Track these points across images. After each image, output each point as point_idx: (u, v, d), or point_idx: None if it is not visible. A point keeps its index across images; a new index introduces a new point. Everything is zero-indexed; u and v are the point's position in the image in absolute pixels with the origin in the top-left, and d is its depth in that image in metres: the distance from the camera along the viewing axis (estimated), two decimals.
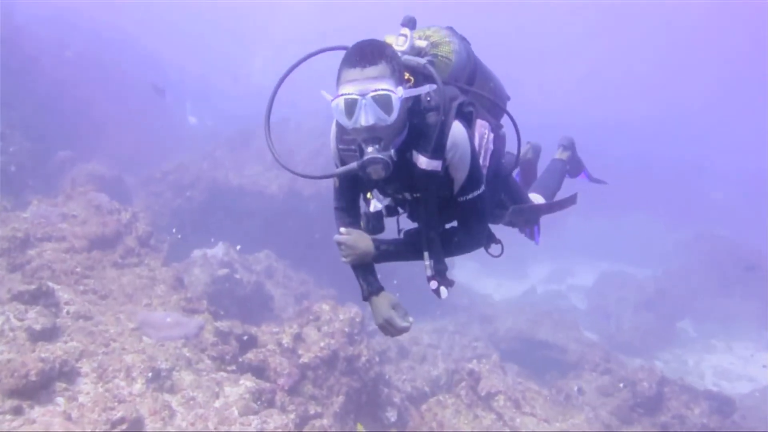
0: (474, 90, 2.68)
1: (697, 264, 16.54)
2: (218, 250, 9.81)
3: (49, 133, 12.47)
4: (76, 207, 6.80)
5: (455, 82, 2.57)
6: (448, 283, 2.50)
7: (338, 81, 2.20)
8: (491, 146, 2.66)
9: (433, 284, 2.50)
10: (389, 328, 2.46)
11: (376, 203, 2.60)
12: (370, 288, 2.56)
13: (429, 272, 2.49)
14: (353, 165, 2.25)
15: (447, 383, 7.59)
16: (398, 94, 2.17)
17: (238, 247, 9.84)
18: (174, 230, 10.10)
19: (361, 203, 2.77)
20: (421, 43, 2.53)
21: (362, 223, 2.64)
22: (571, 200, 3.49)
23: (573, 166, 4.27)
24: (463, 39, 2.74)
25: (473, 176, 2.38)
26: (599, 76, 35.21)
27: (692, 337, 14.50)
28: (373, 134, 2.17)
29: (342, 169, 2.34)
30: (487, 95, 2.76)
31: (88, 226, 6.43)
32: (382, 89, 2.12)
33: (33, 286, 4.90)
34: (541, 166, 4.12)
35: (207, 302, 5.81)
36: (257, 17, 35.60)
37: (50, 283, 5.20)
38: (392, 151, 2.19)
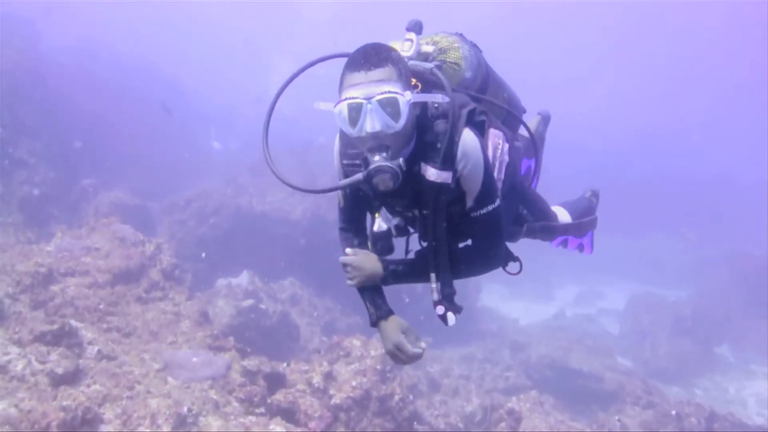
0: (486, 98, 2.50)
1: (730, 284, 16.01)
2: (243, 279, 9.64)
3: (74, 161, 12.49)
4: (99, 239, 6.66)
5: (465, 91, 2.39)
6: (456, 309, 2.31)
7: (341, 87, 2.06)
8: (506, 158, 2.45)
9: (440, 310, 2.30)
10: (399, 355, 2.25)
11: (381, 223, 2.41)
12: (379, 312, 2.37)
13: (435, 296, 2.30)
14: (358, 176, 2.06)
15: (483, 420, 7.25)
16: (406, 97, 2.00)
17: (256, 279, 9.67)
18: (203, 255, 9.95)
19: (369, 223, 2.58)
20: (428, 48, 2.38)
21: (369, 245, 2.46)
22: (591, 224, 3.28)
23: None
24: (473, 46, 2.57)
25: (487, 188, 2.19)
26: (616, 96, 34.80)
27: (730, 362, 13.95)
28: (379, 142, 2.00)
29: (346, 181, 2.14)
30: (500, 104, 2.60)
31: (112, 260, 6.28)
32: (389, 92, 1.97)
33: (56, 326, 4.73)
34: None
35: (234, 338, 5.57)
36: (274, 37, 35.71)
37: (73, 322, 5.03)
38: (401, 160, 2.01)
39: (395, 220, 2.45)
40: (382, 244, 2.42)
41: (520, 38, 33.44)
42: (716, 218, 20.66)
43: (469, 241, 2.40)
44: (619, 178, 22.23)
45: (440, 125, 2.11)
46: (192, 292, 8.27)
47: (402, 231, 2.46)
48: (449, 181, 2.11)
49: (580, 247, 3.73)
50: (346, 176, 2.35)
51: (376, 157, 1.98)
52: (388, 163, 1.97)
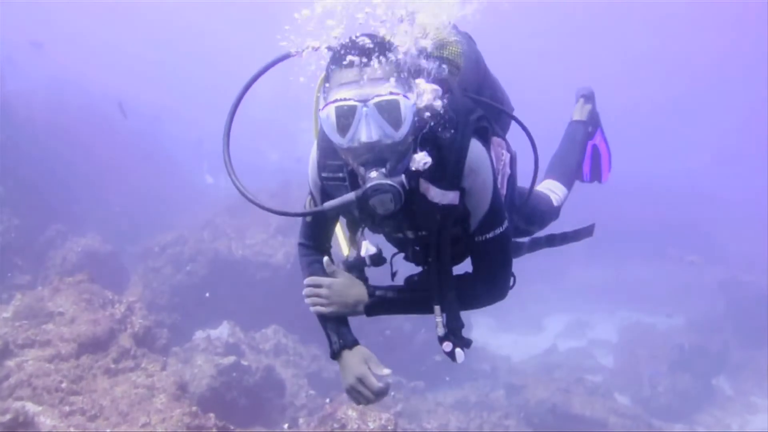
0: (484, 100, 2.18)
1: (725, 313, 15.74)
2: (223, 331, 9.06)
3: (42, 205, 11.78)
4: (64, 302, 6.04)
5: (464, 92, 2.08)
6: (465, 344, 2.04)
7: (327, 84, 1.76)
8: (508, 170, 2.25)
9: (447, 346, 2.02)
10: (363, 391, 1.97)
11: (369, 246, 2.12)
12: (343, 341, 2.08)
13: (441, 331, 2.01)
14: (350, 196, 1.76)
15: None
16: (410, 100, 1.70)
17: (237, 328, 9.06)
18: (207, 294, 9.32)
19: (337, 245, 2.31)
20: (425, 43, 2.00)
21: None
22: (587, 231, 2.95)
23: (592, 126, 3.48)
24: (469, 38, 2.26)
25: (495, 209, 1.94)
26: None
27: (730, 395, 13.56)
28: (376, 154, 1.70)
29: (334, 203, 1.81)
30: (497, 105, 2.28)
31: (77, 326, 5.66)
32: (390, 93, 1.65)
33: (8, 416, 4.12)
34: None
35: (215, 416, 4.98)
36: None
37: (30, 406, 4.42)
38: (403, 177, 1.71)
39: (373, 246, 2.14)
40: (357, 273, 2.14)
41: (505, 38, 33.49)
42: (705, 241, 20.51)
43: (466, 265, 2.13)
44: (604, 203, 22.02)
45: (446, 136, 1.82)
46: (168, 349, 7.71)
47: (377, 259, 2.12)
48: (456, 202, 1.86)
49: (596, 175, 3.35)
50: (324, 192, 2.07)
51: (373, 173, 1.69)
52: (388, 181, 1.67)
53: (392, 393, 8.71)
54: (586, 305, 19.43)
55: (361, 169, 1.72)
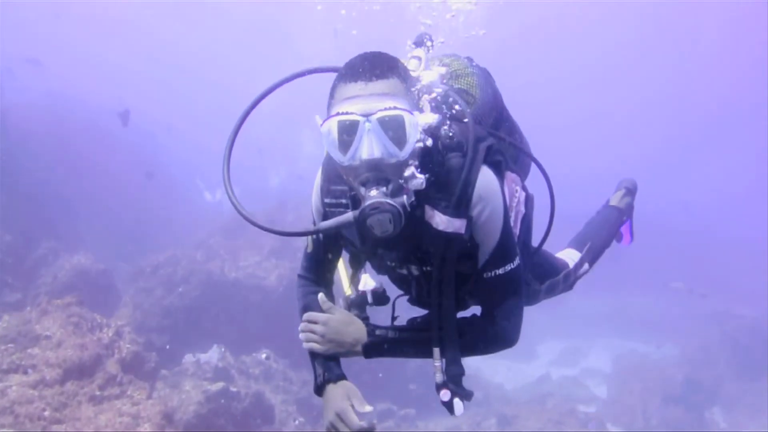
0: (501, 135, 2.07)
1: (718, 345, 15.65)
2: (212, 355, 8.93)
3: (36, 221, 11.70)
4: (51, 325, 5.96)
5: (478, 124, 1.97)
6: (465, 395, 1.90)
7: (331, 100, 1.66)
8: (522, 209, 2.12)
9: (445, 395, 1.87)
10: (340, 428, 1.81)
11: (368, 280, 1.99)
12: (328, 375, 1.94)
13: (439, 378, 1.88)
14: (347, 215, 1.67)
15: None
16: (416, 117, 1.61)
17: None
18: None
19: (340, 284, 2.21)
20: (439, 70, 1.96)
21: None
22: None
23: (626, 216, 3.45)
24: (487, 74, 2.16)
25: (506, 243, 1.81)
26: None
27: (723, 428, 13.43)
28: (377, 173, 1.60)
29: (330, 222, 1.72)
30: (516, 143, 2.17)
31: (64, 350, 5.58)
32: (394, 108, 1.56)
33: None
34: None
35: None
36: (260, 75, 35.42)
37: None
38: (404, 198, 1.61)
39: (377, 283, 2.00)
40: (358, 311, 2.00)
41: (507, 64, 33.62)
42: (703, 273, 20.48)
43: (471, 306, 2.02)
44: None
45: (454, 160, 1.72)
46: (157, 372, 7.60)
47: (380, 297, 1.99)
48: (462, 230, 1.73)
49: (618, 237, 3.35)
50: (326, 218, 1.93)
51: (373, 192, 1.58)
52: (388, 200, 1.56)
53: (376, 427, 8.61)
54: (581, 332, 19.33)
55: (362, 189, 1.62)
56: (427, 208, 1.75)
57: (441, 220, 1.73)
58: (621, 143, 33.38)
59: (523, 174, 2.26)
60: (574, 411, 11.10)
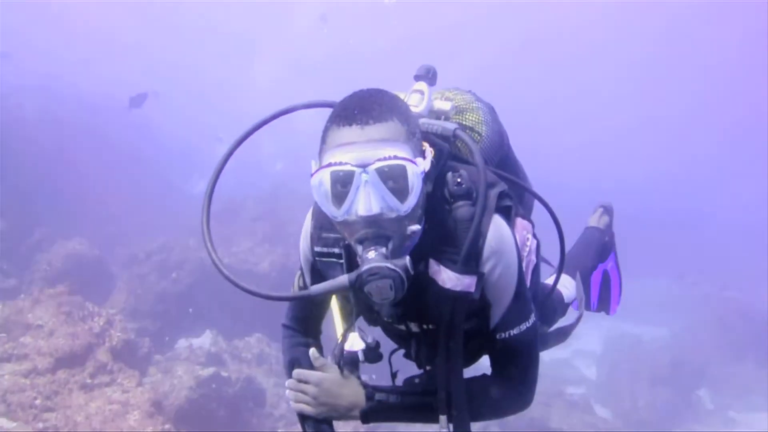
0: (508, 176, 1.85)
1: (707, 327, 15.87)
2: (205, 340, 9.11)
3: (30, 208, 11.82)
4: (43, 314, 6.11)
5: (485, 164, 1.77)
6: None
7: (323, 147, 1.48)
8: (534, 258, 1.92)
9: None
10: None
11: (357, 339, 1.73)
12: None
13: None
14: (342, 280, 1.46)
15: None
16: (419, 166, 1.43)
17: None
18: (190, 310, 9.36)
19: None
20: (443, 106, 1.81)
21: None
22: (576, 322, 2.61)
23: (603, 247, 3.26)
24: (492, 109, 1.99)
25: (521, 300, 1.63)
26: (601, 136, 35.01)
27: (709, 409, 13.70)
28: (376, 230, 1.41)
29: (323, 286, 1.52)
30: (522, 183, 1.98)
31: (55, 339, 5.74)
32: (395, 157, 1.39)
33: None
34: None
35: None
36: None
37: (4, 422, 4.50)
38: (407, 259, 1.41)
39: (369, 337, 1.74)
40: (349, 368, 1.76)
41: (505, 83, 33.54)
42: (691, 257, 20.65)
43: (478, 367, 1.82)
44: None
45: (463, 209, 1.54)
46: (150, 357, 7.78)
47: (373, 354, 1.73)
48: (472, 289, 1.53)
49: (604, 305, 3.23)
50: (315, 270, 1.77)
51: (371, 253, 1.40)
52: (388, 264, 1.37)
53: None
54: (573, 314, 19.55)
55: (359, 248, 1.44)
56: (432, 263, 1.57)
57: (448, 277, 1.54)
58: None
59: (529, 215, 2.12)
60: (562, 393, 11.31)
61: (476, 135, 1.86)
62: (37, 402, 4.95)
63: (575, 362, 16.09)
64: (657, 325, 17.20)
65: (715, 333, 15.39)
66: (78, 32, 29.03)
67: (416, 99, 1.77)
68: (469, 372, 1.78)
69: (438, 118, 1.80)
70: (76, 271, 9.85)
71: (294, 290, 1.93)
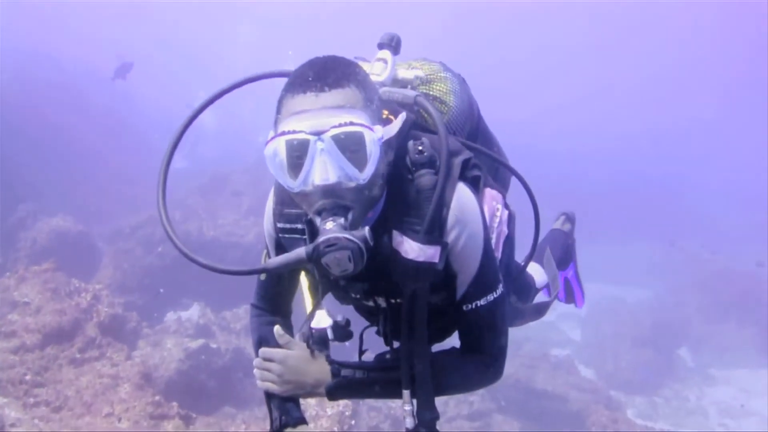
0: (479, 147, 1.82)
1: (690, 289, 16.18)
2: (193, 312, 9.20)
3: (12, 185, 11.70)
4: (29, 291, 6.14)
5: (452, 135, 1.75)
6: None
7: (278, 116, 1.42)
8: (505, 229, 1.86)
9: None
10: None
11: (324, 316, 1.68)
12: (287, 418, 1.74)
13: (410, 423, 1.65)
14: (299, 252, 1.40)
15: None
16: (377, 133, 1.37)
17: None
18: (161, 290, 9.38)
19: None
20: (407, 74, 1.77)
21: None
22: (552, 299, 2.72)
23: (564, 254, 3.27)
24: (462, 80, 1.94)
25: (488, 270, 1.59)
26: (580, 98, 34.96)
27: (690, 367, 14.08)
28: (334, 200, 1.37)
29: (280, 259, 1.47)
30: (495, 155, 1.92)
31: (43, 316, 5.77)
32: (351, 123, 1.33)
33: None
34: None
35: (177, 404, 5.15)
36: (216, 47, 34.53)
37: None
38: (367, 230, 1.36)
39: (339, 315, 1.69)
40: (318, 345, 1.71)
41: (476, 40, 33.27)
42: (674, 221, 20.89)
43: (448, 342, 1.78)
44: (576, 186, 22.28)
45: (425, 178, 1.48)
46: (139, 331, 7.84)
47: (342, 332, 1.69)
48: (436, 259, 1.48)
49: (571, 299, 3.30)
50: (279, 246, 1.73)
51: (329, 224, 1.35)
52: (346, 234, 1.32)
53: None
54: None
55: (317, 219, 1.39)
56: (395, 234, 1.52)
57: (411, 248, 1.49)
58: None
59: (503, 189, 2.03)
60: (547, 355, 11.56)
61: (444, 106, 1.81)
62: (27, 378, 5.00)
63: (560, 325, 16.39)
64: (641, 287, 17.53)
65: (698, 294, 15.72)
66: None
67: (379, 68, 1.72)
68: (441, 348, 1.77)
69: (402, 87, 1.75)
70: (60, 247, 9.83)
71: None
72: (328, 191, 1.36)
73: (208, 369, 7.67)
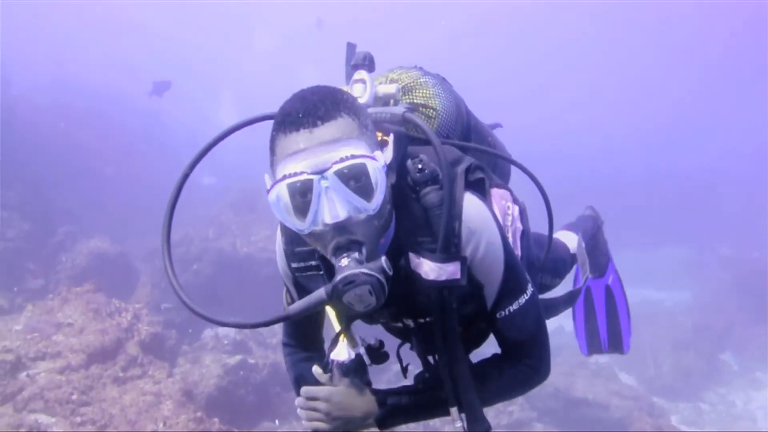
0: (475, 146, 1.81)
1: (729, 290, 15.78)
2: (230, 328, 9.26)
3: (50, 208, 12.03)
4: (72, 312, 6.28)
5: (449, 141, 1.73)
6: None
7: (273, 158, 1.36)
8: (519, 225, 1.84)
9: None
10: None
11: (345, 349, 1.65)
12: None
13: None
14: (319, 294, 1.34)
15: None
16: (379, 161, 1.33)
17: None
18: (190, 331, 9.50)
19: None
20: (388, 89, 1.70)
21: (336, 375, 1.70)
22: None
23: (598, 260, 3.02)
24: (443, 79, 1.90)
25: (513, 273, 1.54)
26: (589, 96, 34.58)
27: (735, 371, 13.68)
28: (346, 236, 1.31)
29: (301, 305, 1.39)
30: (492, 151, 1.90)
31: (86, 336, 5.90)
32: (352, 156, 1.29)
33: (23, 430, 4.36)
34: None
35: (218, 420, 5.20)
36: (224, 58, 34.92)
37: (43, 418, 4.66)
38: (383, 260, 1.31)
39: (372, 338, 1.66)
40: (359, 375, 1.67)
41: (478, 52, 33.22)
42: (715, 220, 20.43)
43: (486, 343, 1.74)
44: (611, 184, 21.97)
45: (431, 195, 1.45)
46: (178, 349, 7.95)
47: (377, 354, 1.66)
48: (458, 275, 1.45)
49: (615, 342, 2.96)
50: (298, 285, 1.70)
51: (344, 261, 1.30)
52: (363, 270, 1.27)
53: None
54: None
55: (332, 258, 1.34)
56: (412, 257, 1.48)
57: (430, 269, 1.46)
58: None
59: (507, 184, 2.03)
60: (586, 362, 11.33)
61: (430, 110, 1.77)
62: (74, 397, 5.11)
63: None
64: (678, 290, 17.18)
65: (738, 295, 15.31)
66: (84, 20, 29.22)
67: (359, 89, 1.65)
68: (479, 355, 1.74)
69: (386, 103, 1.70)
70: (99, 268, 10.06)
71: (284, 306, 1.83)
72: (340, 228, 1.31)
73: (246, 384, 7.74)
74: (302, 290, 1.69)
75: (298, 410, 1.70)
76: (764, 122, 27.98)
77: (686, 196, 22.14)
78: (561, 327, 16.11)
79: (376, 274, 1.28)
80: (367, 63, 1.67)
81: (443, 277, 1.45)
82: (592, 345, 2.96)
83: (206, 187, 18.28)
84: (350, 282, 1.27)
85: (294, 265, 1.65)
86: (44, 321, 6.03)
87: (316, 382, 1.71)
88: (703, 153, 27.40)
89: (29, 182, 11.70)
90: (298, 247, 1.62)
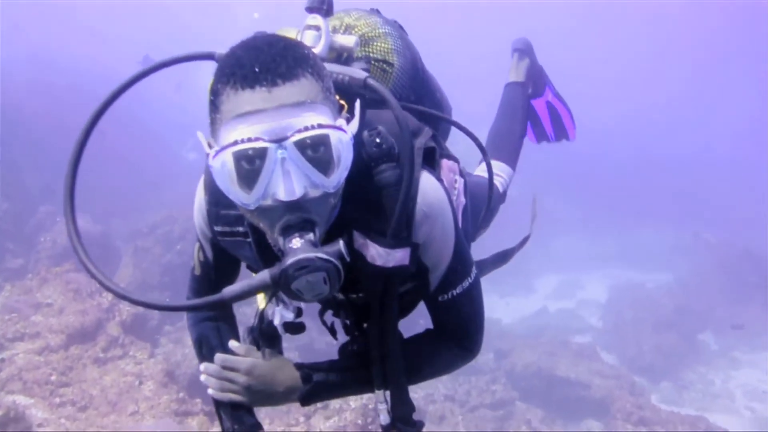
0: (428, 111, 1.65)
1: (712, 272, 15.97)
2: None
3: (30, 187, 11.84)
4: (51, 292, 6.20)
5: (400, 101, 1.45)
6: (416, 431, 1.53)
7: (216, 115, 1.15)
8: (463, 199, 1.75)
9: None
10: None
11: (282, 312, 1.51)
12: (241, 427, 1.55)
13: (384, 419, 1.51)
14: (262, 277, 1.17)
15: None
16: (347, 133, 1.16)
17: None
18: (167, 300, 9.35)
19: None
20: (347, 41, 1.47)
21: (246, 341, 1.57)
22: (521, 244, 2.42)
23: (535, 84, 3.00)
24: (400, 28, 1.72)
25: (461, 259, 1.46)
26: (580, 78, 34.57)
27: (714, 350, 13.90)
28: (299, 214, 1.14)
29: (239, 287, 1.22)
30: (438, 114, 1.70)
31: (65, 317, 5.83)
32: (318, 126, 1.11)
33: (0, 412, 4.29)
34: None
35: (201, 400, 5.17)
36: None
37: (21, 399, 4.61)
38: (341, 244, 1.16)
39: (292, 307, 1.52)
40: (270, 344, 1.54)
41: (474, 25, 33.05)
42: (698, 203, 20.63)
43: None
44: (593, 168, 22.03)
45: (387, 173, 1.30)
46: (161, 329, 7.90)
47: (293, 325, 1.53)
48: (406, 262, 1.33)
49: (561, 133, 3.10)
50: (216, 247, 1.56)
51: (296, 242, 1.13)
52: (319, 254, 1.12)
53: None
54: (577, 265, 19.70)
55: (280, 240, 1.17)
56: (357, 236, 1.34)
57: (378, 253, 1.32)
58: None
59: (446, 138, 1.92)
60: (568, 342, 11.48)
61: (387, 66, 1.60)
62: (53, 378, 5.06)
63: (580, 312, 16.27)
64: (661, 271, 17.35)
65: (720, 277, 15.50)
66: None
67: (312, 37, 1.42)
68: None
69: (340, 55, 1.49)
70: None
71: (195, 267, 1.70)
72: (292, 205, 1.13)
73: None
74: (221, 252, 1.55)
75: (204, 377, 1.55)
76: (750, 110, 28.16)
77: (670, 180, 22.31)
78: (545, 307, 16.31)
79: (334, 260, 1.13)
80: (326, 7, 1.44)
81: (390, 264, 1.33)
82: (541, 137, 3.10)
83: (191, 163, 18.12)
84: (303, 267, 1.11)
85: (218, 228, 1.48)
86: (23, 301, 5.95)
87: (220, 345, 1.61)
88: (689, 139, 27.53)
89: (8, 161, 11.49)
90: (224, 210, 1.44)
